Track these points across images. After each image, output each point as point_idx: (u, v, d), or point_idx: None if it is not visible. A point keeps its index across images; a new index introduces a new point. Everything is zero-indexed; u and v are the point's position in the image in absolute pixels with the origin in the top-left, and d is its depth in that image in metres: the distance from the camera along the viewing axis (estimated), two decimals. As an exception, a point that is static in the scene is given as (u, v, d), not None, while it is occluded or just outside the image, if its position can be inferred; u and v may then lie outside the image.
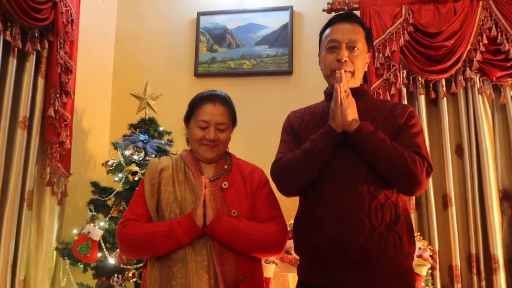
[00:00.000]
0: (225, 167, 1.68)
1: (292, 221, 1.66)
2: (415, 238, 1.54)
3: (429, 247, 2.68)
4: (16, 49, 2.42)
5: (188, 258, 1.47)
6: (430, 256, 2.65)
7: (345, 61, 1.55)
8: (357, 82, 1.61)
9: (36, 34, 2.54)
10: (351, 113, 1.46)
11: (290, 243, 1.67)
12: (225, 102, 1.67)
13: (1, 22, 2.28)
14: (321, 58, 1.66)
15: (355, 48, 1.57)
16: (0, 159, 2.32)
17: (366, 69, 1.67)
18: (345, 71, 1.53)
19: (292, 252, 2.08)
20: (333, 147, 1.47)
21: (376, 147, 1.43)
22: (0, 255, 2.32)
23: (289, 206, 1.78)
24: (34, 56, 2.55)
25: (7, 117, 2.38)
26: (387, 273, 1.43)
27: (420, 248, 2.58)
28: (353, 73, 1.57)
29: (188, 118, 1.69)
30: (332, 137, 1.47)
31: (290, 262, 2.55)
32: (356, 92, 1.54)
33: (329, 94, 1.58)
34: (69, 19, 2.72)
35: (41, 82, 2.63)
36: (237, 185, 1.62)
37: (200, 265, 1.46)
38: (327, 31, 1.63)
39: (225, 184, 1.60)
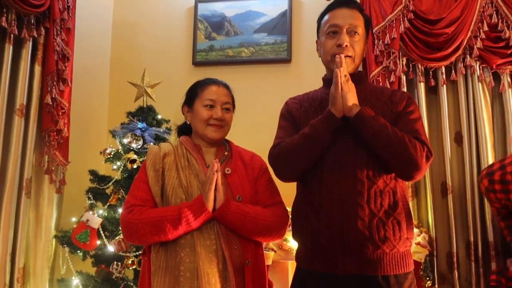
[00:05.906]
0: (226, 153, 1.70)
1: (290, 208, 1.66)
2: (413, 225, 1.55)
3: (428, 234, 2.70)
4: (12, 35, 2.39)
5: (196, 243, 1.48)
6: (429, 243, 2.66)
7: (346, 46, 1.53)
8: (356, 68, 1.61)
9: (32, 21, 2.50)
10: (352, 98, 1.46)
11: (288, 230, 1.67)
12: (227, 86, 1.73)
13: (-4, 8, 2.26)
14: (319, 44, 1.64)
15: (356, 33, 1.56)
16: (-2, 147, 2.31)
17: (364, 56, 1.66)
18: (346, 56, 1.52)
19: (291, 239, 2.08)
20: (333, 133, 1.47)
21: (377, 132, 1.43)
22: (-1, 243, 2.32)
23: (287, 193, 1.78)
24: (31, 43, 2.53)
25: (4, 105, 2.37)
26: (385, 259, 1.44)
27: (418, 235, 2.59)
28: (353, 59, 1.56)
29: (191, 101, 1.70)
30: (332, 122, 1.46)
31: (289, 250, 2.56)
32: (354, 79, 1.53)
33: (328, 80, 1.57)
34: (66, 6, 2.70)
35: (38, 69, 2.60)
36: (239, 171, 1.64)
37: (209, 249, 1.47)
38: (326, 17, 1.61)
39: (228, 170, 1.61)
